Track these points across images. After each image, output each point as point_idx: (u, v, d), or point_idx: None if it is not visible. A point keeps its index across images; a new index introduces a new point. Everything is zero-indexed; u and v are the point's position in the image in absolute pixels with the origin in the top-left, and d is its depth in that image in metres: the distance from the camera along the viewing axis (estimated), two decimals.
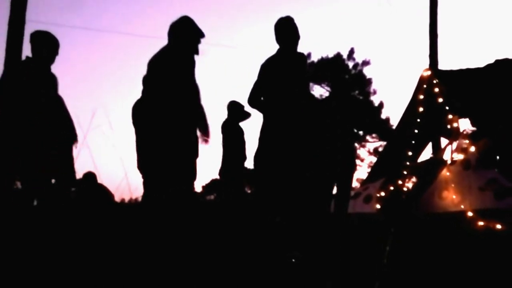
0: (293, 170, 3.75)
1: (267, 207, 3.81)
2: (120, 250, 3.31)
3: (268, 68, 3.83)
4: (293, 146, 3.72)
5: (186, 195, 3.57)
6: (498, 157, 4.95)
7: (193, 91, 3.59)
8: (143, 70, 3.76)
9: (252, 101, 3.86)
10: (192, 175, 3.62)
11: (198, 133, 3.66)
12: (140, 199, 3.96)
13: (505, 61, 5.14)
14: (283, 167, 3.73)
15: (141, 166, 3.68)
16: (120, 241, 3.64)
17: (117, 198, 7.35)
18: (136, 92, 4.44)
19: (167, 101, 3.48)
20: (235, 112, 6.18)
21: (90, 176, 6.57)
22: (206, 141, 3.70)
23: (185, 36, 3.55)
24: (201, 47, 3.63)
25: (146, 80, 4.97)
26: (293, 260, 3.10)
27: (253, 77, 3.87)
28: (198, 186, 40.30)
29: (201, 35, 3.63)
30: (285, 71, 3.76)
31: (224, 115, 6.27)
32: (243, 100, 6.37)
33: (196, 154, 3.64)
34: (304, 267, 2.95)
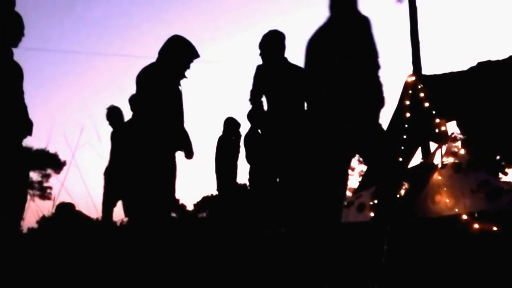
0: (299, 177, 3.81)
1: (269, 217, 3.86)
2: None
3: (263, 76, 3.94)
4: (295, 154, 3.79)
5: (165, 217, 3.53)
6: (486, 159, 4.98)
7: (177, 111, 3.56)
8: (131, 88, 3.74)
9: (254, 100, 4.07)
10: (172, 196, 3.59)
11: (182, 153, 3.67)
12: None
13: (488, 63, 5.21)
14: (289, 174, 3.80)
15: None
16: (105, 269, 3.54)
17: None
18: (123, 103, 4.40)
19: (150, 122, 3.44)
20: (231, 128, 6.36)
21: (63, 208, 5.65)
22: (189, 158, 3.71)
23: (174, 54, 3.50)
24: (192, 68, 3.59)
25: (132, 99, 4.94)
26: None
27: (232, 91, 3.95)
28: (189, 204, 39.91)
29: (194, 55, 3.56)
30: (281, 82, 3.88)
31: (210, 128, 6.47)
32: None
33: (174, 177, 3.62)
34: (302, 270, 2.90)
